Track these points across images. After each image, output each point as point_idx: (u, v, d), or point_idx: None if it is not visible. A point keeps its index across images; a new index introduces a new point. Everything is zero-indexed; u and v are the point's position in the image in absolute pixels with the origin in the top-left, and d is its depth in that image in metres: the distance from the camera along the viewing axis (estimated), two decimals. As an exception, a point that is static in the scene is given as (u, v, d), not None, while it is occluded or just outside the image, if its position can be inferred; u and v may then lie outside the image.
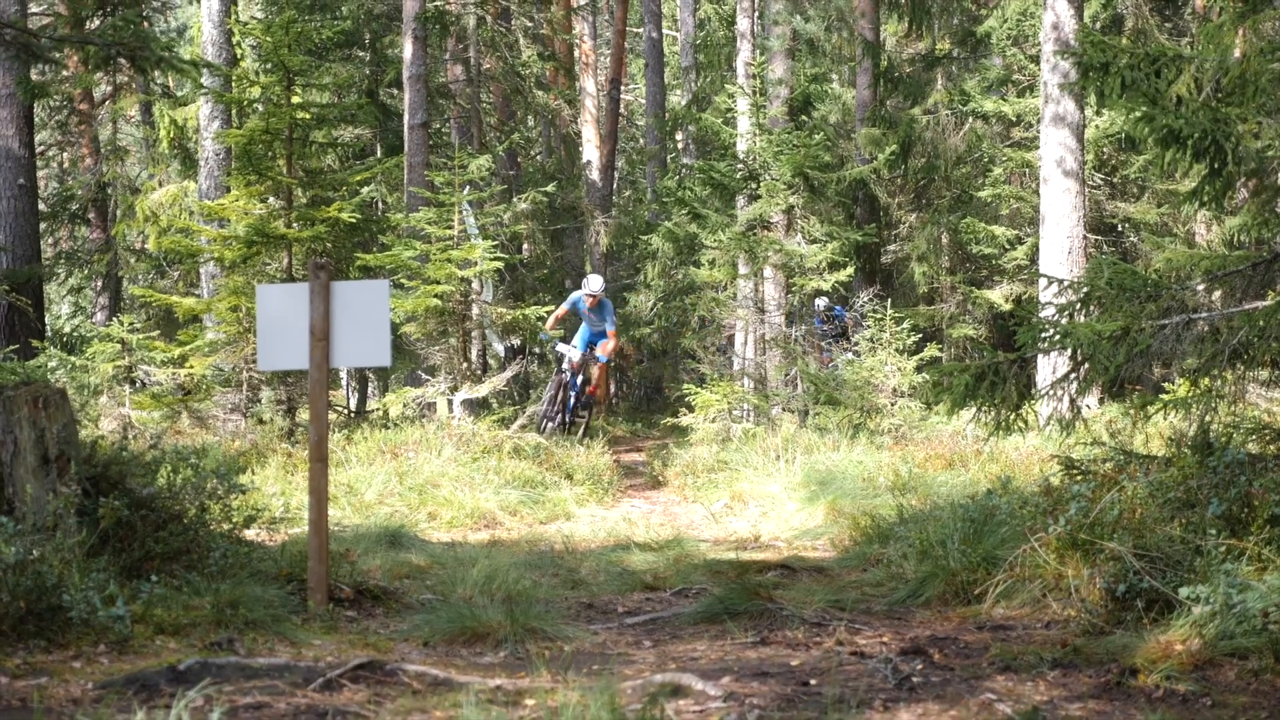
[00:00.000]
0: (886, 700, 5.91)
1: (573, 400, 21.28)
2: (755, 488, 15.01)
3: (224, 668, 6.10)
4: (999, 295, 24.57)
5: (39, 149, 29.26)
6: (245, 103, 19.53)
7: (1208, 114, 8.91)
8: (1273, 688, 6.08)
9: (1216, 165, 8.98)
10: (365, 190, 21.85)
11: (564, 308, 21.81)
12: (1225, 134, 8.89)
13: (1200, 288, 9.63)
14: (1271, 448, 8.56)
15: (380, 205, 26.50)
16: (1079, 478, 9.08)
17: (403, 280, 18.52)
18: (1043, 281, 11.24)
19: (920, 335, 21.70)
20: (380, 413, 18.94)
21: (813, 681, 6.32)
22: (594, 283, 21.65)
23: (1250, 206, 10.38)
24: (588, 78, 32.76)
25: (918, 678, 6.36)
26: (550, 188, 27.60)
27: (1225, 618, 6.60)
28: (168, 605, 7.10)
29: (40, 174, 29.82)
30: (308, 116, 18.48)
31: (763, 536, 12.62)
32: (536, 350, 27.90)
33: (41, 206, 28.27)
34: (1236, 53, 11.23)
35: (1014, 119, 25.60)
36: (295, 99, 18.34)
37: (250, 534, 9.06)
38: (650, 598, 8.92)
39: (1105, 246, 22.71)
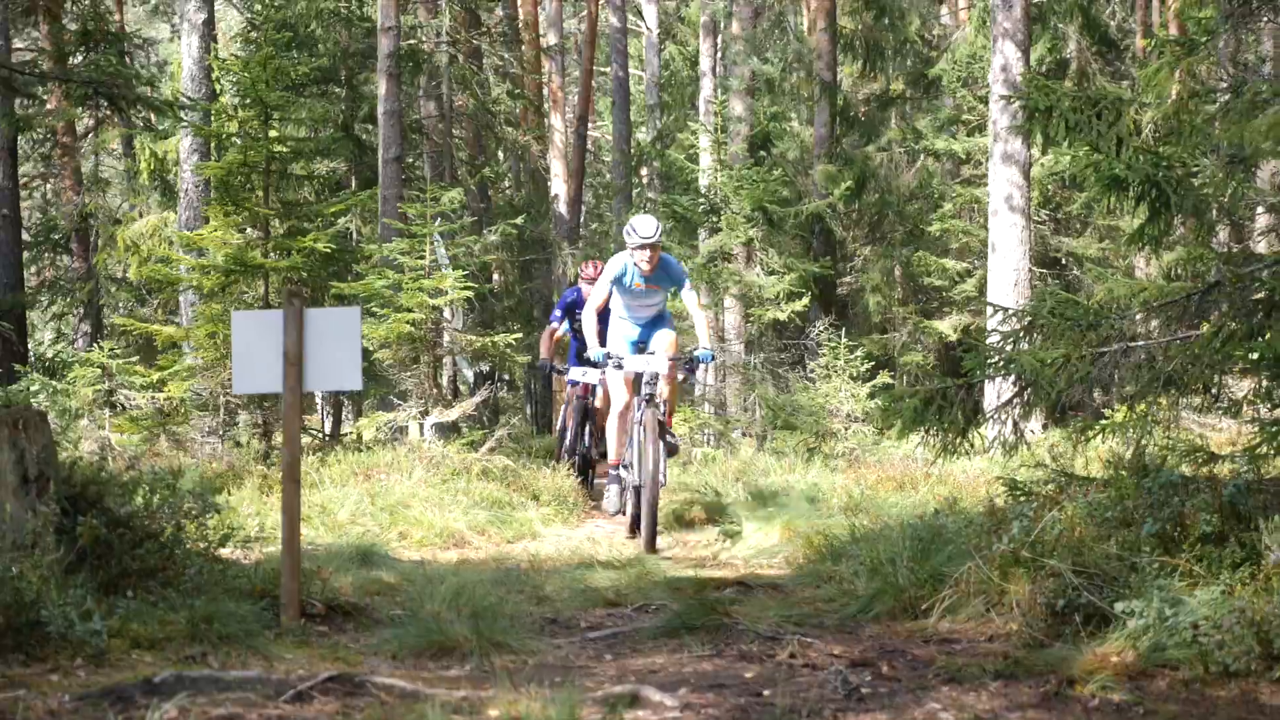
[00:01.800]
0: (836, 710, 5.95)
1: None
2: (714, 509, 15.09)
3: (198, 680, 6.09)
4: (948, 325, 24.74)
5: (22, 180, 29.24)
6: (224, 136, 19.44)
7: (1150, 159, 8.98)
8: (1202, 697, 6.14)
9: (1158, 207, 9.05)
10: (340, 221, 21.86)
11: (600, 294, 14.16)
12: (1166, 177, 8.96)
13: (1138, 318, 9.68)
14: (1204, 470, 8.61)
15: (355, 236, 26.50)
16: (1022, 498, 9.13)
17: (376, 308, 18.47)
18: (990, 311, 11.32)
19: (873, 363, 21.80)
20: (354, 436, 18.89)
21: (766, 692, 6.35)
22: (646, 225, 13.52)
23: (1187, 241, 10.43)
24: (556, 115, 32.80)
25: (866, 689, 6.40)
26: (519, 220, 27.55)
27: (1158, 631, 6.66)
28: (144, 620, 7.07)
29: (24, 205, 29.69)
30: (285, 150, 18.46)
31: (721, 556, 12.66)
32: (506, 376, 27.78)
33: (25, 236, 28.29)
34: (1174, 94, 11.32)
35: (964, 157, 25.77)
36: (273, 133, 18.31)
37: (225, 552, 9.04)
38: (612, 613, 8.91)
39: (1049, 278, 22.86)
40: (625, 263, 13.84)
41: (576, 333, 17.35)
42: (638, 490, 13.38)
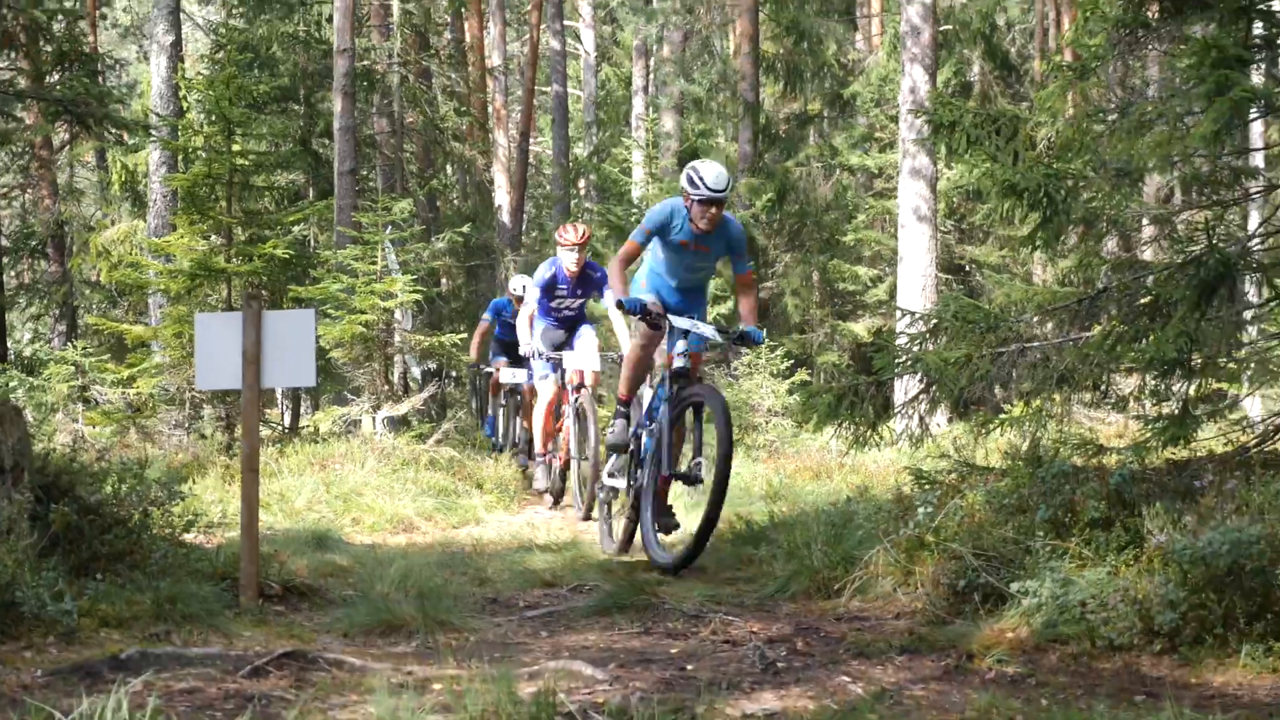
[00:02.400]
0: (754, 683, 5.95)
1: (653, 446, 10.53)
2: (645, 496, 15.12)
3: (161, 657, 6.07)
4: (861, 327, 24.84)
5: (2, 190, 29.06)
6: (190, 150, 19.31)
7: (1041, 169, 9.02)
8: (1089, 669, 6.17)
9: (1049, 214, 9.09)
10: (298, 229, 21.66)
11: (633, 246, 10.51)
12: (1057, 188, 9.00)
13: (1034, 320, 9.73)
14: (1093, 461, 8.67)
15: (312, 243, 26.37)
16: (927, 487, 9.16)
17: (331, 310, 18.42)
18: (899, 314, 11.35)
19: (792, 361, 21.85)
20: (311, 429, 18.77)
21: (689, 667, 6.35)
22: (711, 170, 9.93)
23: (1079, 250, 10.48)
24: (500, 131, 32.70)
25: (782, 663, 6.41)
26: (465, 229, 27.62)
27: (1050, 609, 6.69)
28: (112, 601, 7.02)
29: (3, 213, 29.57)
30: (247, 163, 18.39)
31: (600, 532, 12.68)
32: (452, 373, 27.71)
33: (4, 242, 28.12)
34: (1069, 113, 11.38)
35: (876, 171, 25.89)
36: (235, 147, 18.23)
37: (189, 537, 8.97)
38: (548, 594, 8.90)
39: (954, 284, 22.96)
40: (676, 210, 10.42)
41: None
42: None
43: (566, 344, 14.36)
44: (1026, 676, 6.04)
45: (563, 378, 14.31)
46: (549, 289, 14.18)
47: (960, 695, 5.63)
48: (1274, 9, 9.30)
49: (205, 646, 6.55)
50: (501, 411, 19.18)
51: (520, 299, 14.79)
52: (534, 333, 14.54)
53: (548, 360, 14.27)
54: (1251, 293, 10.09)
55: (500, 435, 19.03)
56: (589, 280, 14.14)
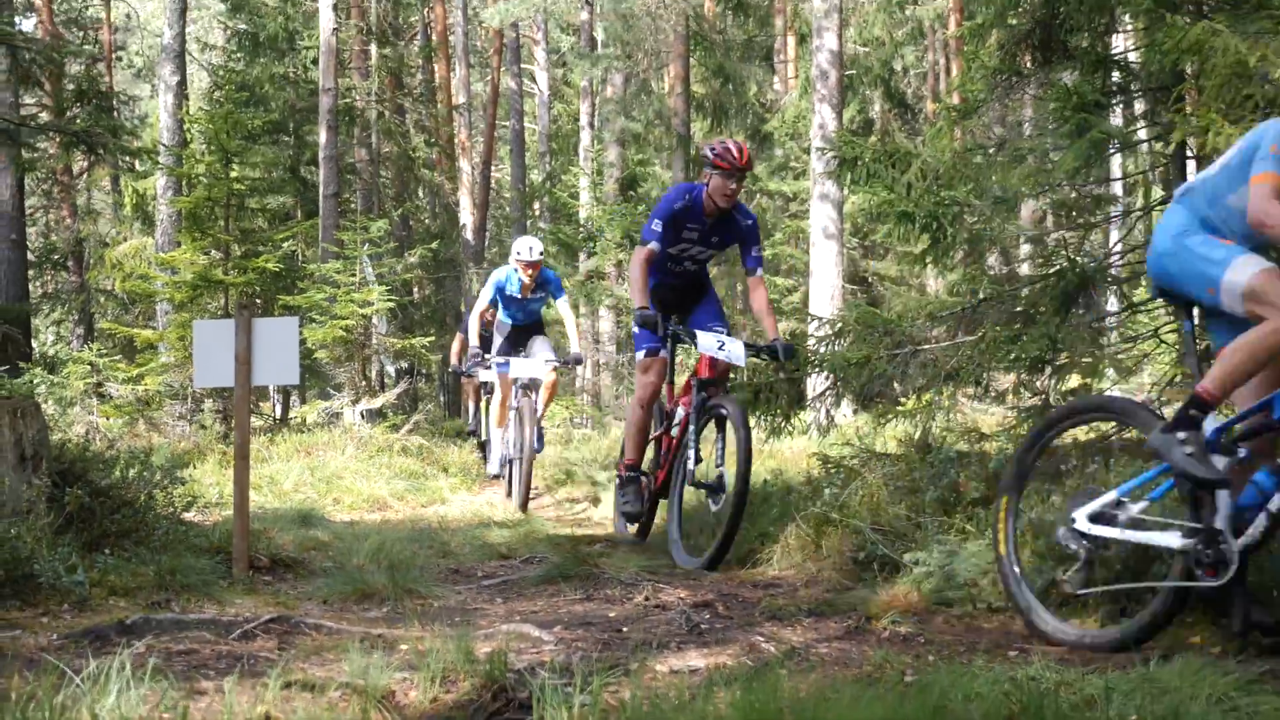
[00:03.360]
0: (680, 643, 5.93)
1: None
2: (590, 482, 15.10)
3: (162, 622, 6.02)
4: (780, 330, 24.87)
5: (29, 210, 28.89)
6: (193, 176, 19.31)
7: (930, 198, 9.06)
8: (970, 628, 6.19)
9: (937, 236, 9.14)
10: (287, 245, 21.61)
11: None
12: (944, 213, 9.04)
13: (926, 326, 9.77)
14: (975, 447, 8.72)
15: (300, 257, 26.24)
16: (833, 470, 9.17)
17: (316, 316, 18.50)
18: (810, 320, 11.38)
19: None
20: (298, 420, 18.77)
21: (624, 629, 6.33)
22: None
23: (964, 265, 10.53)
24: (464, 160, 32.62)
25: (705, 625, 6.39)
26: (434, 245, 27.61)
27: (938, 577, 6.72)
28: (119, 573, 6.98)
29: (30, 230, 29.37)
30: (242, 187, 18.48)
31: (594, 517, 12.65)
32: (423, 371, 27.65)
33: (30, 256, 27.90)
34: (955, 147, 11.42)
35: (791, 196, 25.97)
36: (233, 173, 18.24)
37: (189, 516, 8.92)
38: (504, 565, 8.87)
39: (858, 294, 23.04)
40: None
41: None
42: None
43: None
44: (917, 635, 6.05)
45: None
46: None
47: (859, 652, 5.63)
48: (1130, 60, 9.38)
49: (201, 613, 6.50)
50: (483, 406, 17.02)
51: (525, 262, 13.06)
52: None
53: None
54: (1111, 302, 10.17)
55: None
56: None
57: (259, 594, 7.32)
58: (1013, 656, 5.42)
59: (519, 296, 13.41)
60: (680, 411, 9.44)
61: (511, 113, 36.82)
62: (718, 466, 8.84)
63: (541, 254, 13.39)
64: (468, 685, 4.84)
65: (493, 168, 38.28)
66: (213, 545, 8.09)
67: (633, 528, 9.94)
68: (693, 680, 4.89)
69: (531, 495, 12.97)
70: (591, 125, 31.64)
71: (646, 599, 7.15)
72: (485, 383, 14.74)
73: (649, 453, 9.85)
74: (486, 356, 13.74)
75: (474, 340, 14.02)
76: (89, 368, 19.57)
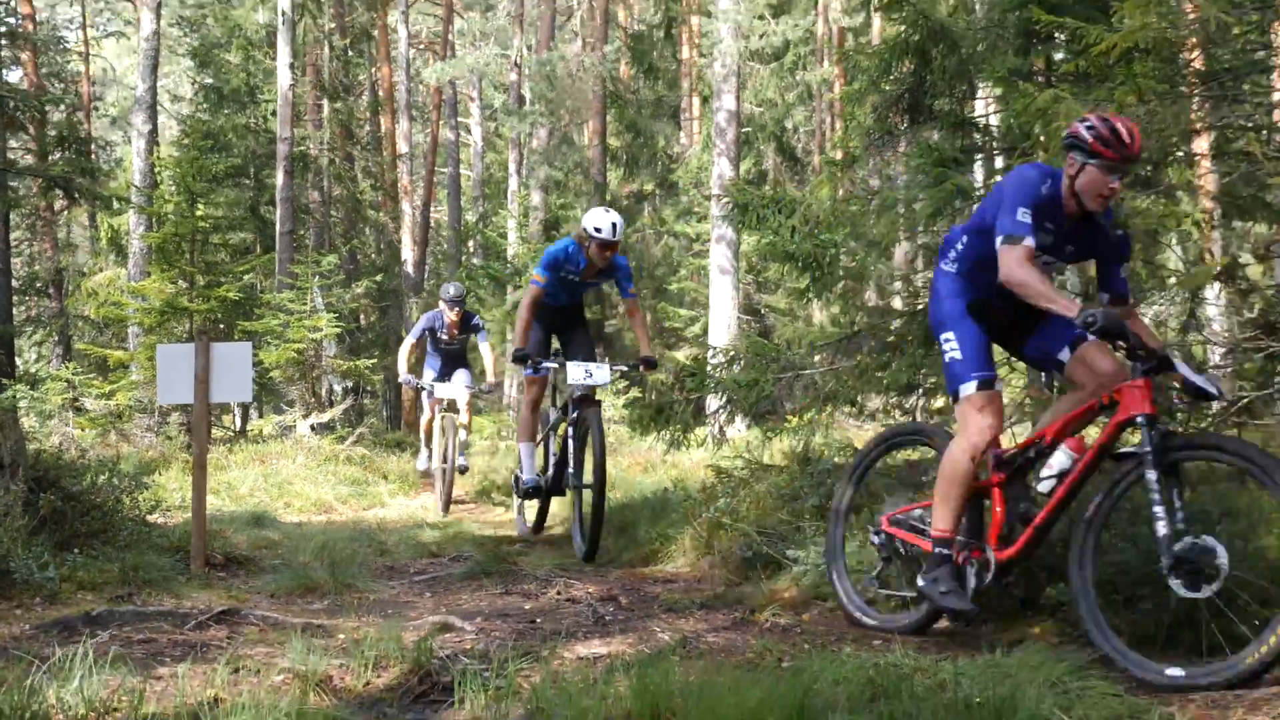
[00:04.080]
0: (587, 632, 5.93)
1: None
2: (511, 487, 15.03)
3: (124, 614, 5.96)
4: (682, 355, 24.83)
5: (14, 243, 28.54)
6: (162, 214, 19.14)
7: (811, 241, 9.11)
8: (840, 620, 6.23)
9: (817, 275, 9.19)
10: (246, 277, 21.44)
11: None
12: (822, 255, 9.10)
13: (809, 353, 9.82)
14: (850, 460, 8.75)
15: (258, 287, 26.01)
16: (725, 479, 9.20)
17: (271, 340, 18.34)
18: (709, 347, 11.44)
19: (629, 381, 21.88)
20: (256, 432, 18.61)
21: (538, 620, 6.32)
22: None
23: (842, 299, 10.60)
24: (406, 202, 32.49)
25: (609, 616, 6.39)
26: (379, 277, 27.55)
27: (814, 574, 6.75)
28: (87, 570, 6.88)
29: (15, 260, 29.01)
30: (206, 225, 18.36)
31: (514, 521, 12.56)
32: (368, 388, 27.49)
33: (15, 283, 27.55)
34: (840, 195, 11.51)
35: (694, 237, 26.01)
36: (198, 212, 18.11)
37: (153, 518, 8.79)
38: (434, 562, 8.83)
39: (751, 324, 23.11)
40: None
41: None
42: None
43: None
44: (794, 626, 6.09)
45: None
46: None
47: (743, 641, 5.65)
48: (990, 123, 9.51)
49: (160, 605, 6.44)
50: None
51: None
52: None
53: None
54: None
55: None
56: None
57: (214, 588, 7.24)
58: (877, 645, 5.46)
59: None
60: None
61: (449, 160, 36.79)
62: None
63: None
64: (397, 670, 4.83)
65: (432, 209, 38.21)
66: (173, 544, 8.00)
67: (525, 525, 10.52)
68: (596, 666, 4.89)
69: (459, 500, 13.44)
70: (519, 173, 31.61)
71: (558, 593, 7.14)
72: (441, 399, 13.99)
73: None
74: (418, 381, 13.72)
75: (404, 369, 13.76)
76: (66, 384, 19.34)
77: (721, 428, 10.02)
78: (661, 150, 28.49)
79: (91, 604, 6.33)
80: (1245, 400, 7.77)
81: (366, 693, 4.64)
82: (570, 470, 9.25)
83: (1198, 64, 8.74)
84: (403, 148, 32.60)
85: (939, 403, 9.59)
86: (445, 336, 13.63)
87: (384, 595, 7.28)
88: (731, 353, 10.20)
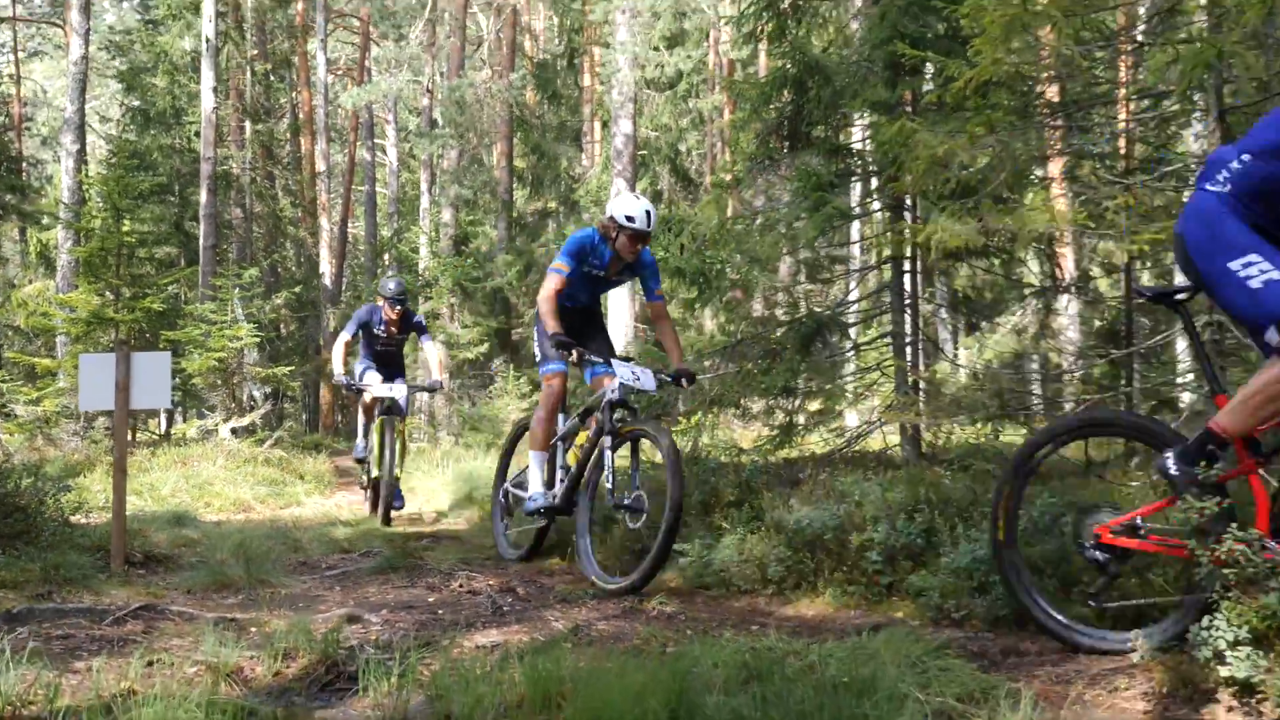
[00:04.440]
0: (486, 622, 5.89)
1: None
2: (423, 484, 14.89)
3: (45, 611, 5.81)
4: (584, 362, 24.91)
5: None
6: (89, 229, 18.78)
7: (699, 256, 9.17)
8: (723, 607, 6.24)
9: (703, 289, 9.24)
10: (171, 289, 21.16)
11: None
12: (709, 270, 9.16)
13: (697, 359, 9.86)
14: (734, 459, 8.80)
15: (182, 298, 25.62)
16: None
17: (193, 348, 18.07)
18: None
19: (535, 385, 21.86)
20: (179, 436, 18.33)
21: (440, 611, 6.26)
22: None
23: (728, 310, 10.67)
24: (325, 218, 32.11)
25: (507, 607, 6.35)
26: (298, 289, 27.21)
27: (699, 565, 6.78)
28: (9, 569, 6.69)
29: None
30: (132, 240, 17.99)
31: (424, 516, 12.47)
32: (288, 394, 27.14)
33: (-54, 296, 26.96)
34: (729, 214, 11.59)
35: (595, 252, 25.94)
36: (124, 228, 17.79)
37: (77, 518, 8.61)
38: (345, 558, 8.68)
39: (647, 332, 23.13)
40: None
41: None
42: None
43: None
44: (679, 614, 6.09)
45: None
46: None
47: (632, 628, 5.65)
48: (864, 148, 9.61)
49: (79, 602, 6.27)
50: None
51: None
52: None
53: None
54: (849, 343, 10.37)
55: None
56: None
57: (133, 585, 7.08)
58: (755, 630, 5.49)
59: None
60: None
61: (366, 179, 36.45)
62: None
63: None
64: (305, 660, 4.77)
65: (349, 225, 37.86)
66: (94, 544, 7.81)
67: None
68: (493, 654, 4.85)
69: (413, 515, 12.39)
70: (430, 192, 31.39)
71: (460, 586, 7.08)
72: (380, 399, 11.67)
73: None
74: (355, 383, 11.70)
75: (339, 369, 11.65)
76: (-4, 391, 18.93)
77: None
78: (564, 171, 28.47)
79: (13, 602, 6.15)
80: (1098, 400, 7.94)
81: (276, 682, 4.58)
82: (610, 488, 7.20)
83: (1053, 96, 8.94)
84: (321, 167, 32.25)
85: (815, 405, 9.65)
86: (382, 334, 11.73)
87: (296, 590, 7.16)
88: (623, 359, 10.23)
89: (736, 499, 7.33)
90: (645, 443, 7.70)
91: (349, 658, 4.74)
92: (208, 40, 23.61)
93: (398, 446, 11.33)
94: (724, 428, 10.37)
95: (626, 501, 7.12)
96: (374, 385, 11.44)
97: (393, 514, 11.21)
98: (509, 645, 5.09)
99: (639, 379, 7.41)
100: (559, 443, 7.94)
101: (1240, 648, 4.17)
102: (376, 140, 39.99)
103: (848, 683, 4.11)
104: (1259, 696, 4.08)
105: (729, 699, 3.93)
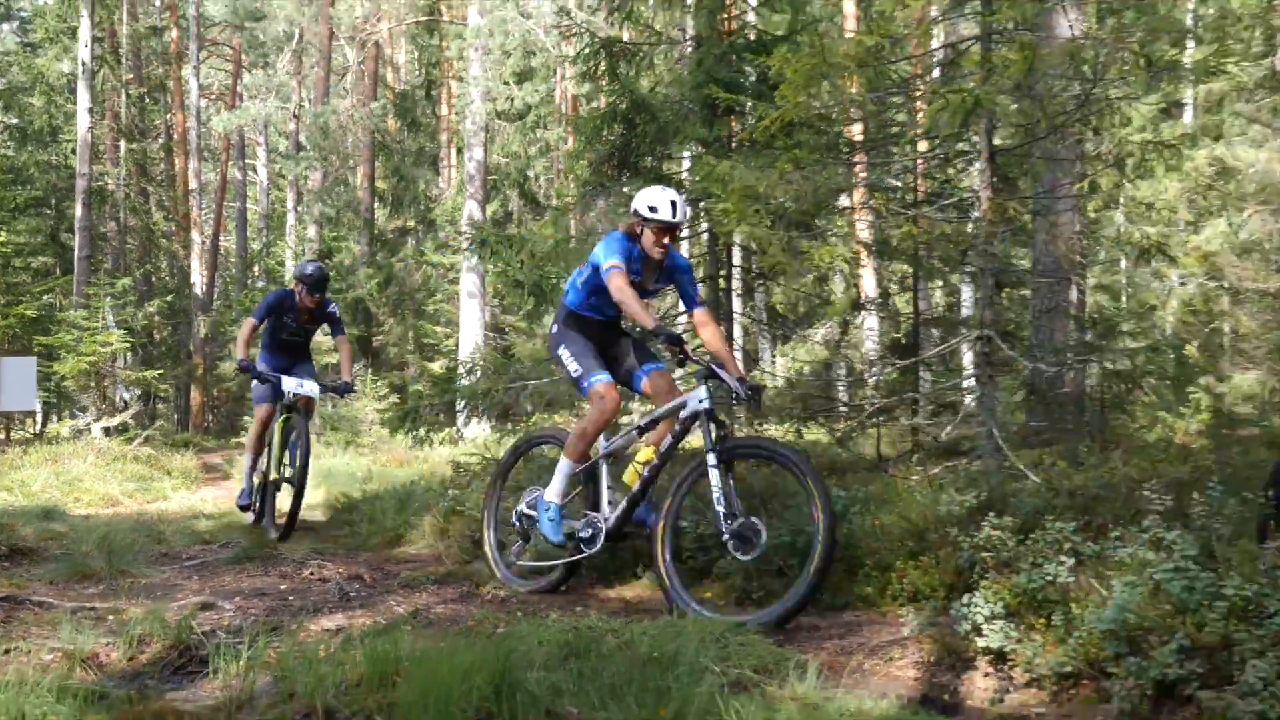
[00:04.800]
0: (332, 607, 5.80)
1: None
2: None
3: (-95, 602, 5.55)
4: (437, 366, 24.69)
5: None
6: (-35, 240, 18.05)
7: (535, 271, 9.17)
8: (552, 591, 6.25)
9: (538, 301, 9.24)
10: (45, 297, 20.35)
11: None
12: (545, 284, 9.17)
13: (535, 366, 9.85)
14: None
15: (57, 306, 24.63)
16: (462, 472, 9.15)
17: (65, 353, 17.41)
18: (458, 360, 11.38)
19: (392, 389, 21.61)
20: (53, 435, 17.63)
21: (291, 598, 6.15)
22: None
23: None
24: (196, 232, 31.21)
25: (354, 593, 6.27)
26: (170, 298, 26.42)
27: (532, 552, 6.74)
28: (-127, 563, 6.38)
29: None
30: (8, 250, 17.32)
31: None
32: (158, 395, 26.33)
33: None
34: (572, 231, 11.61)
35: (449, 266, 25.76)
36: (1, 239, 17.00)
37: (-56, 514, 8.22)
38: (205, 549, 8.42)
39: (497, 340, 23.02)
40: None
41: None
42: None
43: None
44: (510, 597, 6.08)
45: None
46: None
47: (467, 611, 5.62)
48: (684, 178, 9.71)
49: (-59, 595, 5.99)
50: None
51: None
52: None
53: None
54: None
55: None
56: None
57: (-3, 578, 6.80)
58: (579, 611, 5.51)
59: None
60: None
61: (238, 196, 35.59)
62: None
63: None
64: (159, 646, 4.65)
65: (222, 238, 36.86)
66: (-40, 539, 7.48)
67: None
68: (338, 636, 4.78)
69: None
70: (296, 210, 30.81)
71: (311, 573, 6.96)
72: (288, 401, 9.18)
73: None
74: (261, 371, 9.13)
75: (242, 350, 9.04)
76: None
77: (460, 429, 9.91)
78: (422, 192, 28.18)
79: (-124, 594, 5.87)
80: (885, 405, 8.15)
81: (130, 667, 4.45)
82: (723, 512, 5.44)
83: (856, 135, 9.16)
84: (194, 184, 31.35)
85: (647, 407, 9.69)
86: (292, 323, 9.31)
87: (156, 579, 6.94)
88: (473, 365, 10.19)
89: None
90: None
91: (201, 643, 4.63)
92: (84, 64, 22.73)
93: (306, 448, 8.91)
94: (559, 428, 10.33)
95: (732, 529, 5.40)
96: (286, 380, 9.01)
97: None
98: (352, 628, 5.02)
99: (745, 393, 5.69)
100: (602, 461, 6.27)
101: (995, 621, 4.34)
102: (248, 160, 39.06)
103: (657, 657, 4.15)
104: (1010, 663, 4.25)
105: (549, 674, 3.94)
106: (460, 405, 10.06)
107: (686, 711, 3.61)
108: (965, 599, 4.46)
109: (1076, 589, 4.21)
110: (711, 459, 5.50)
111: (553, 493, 6.21)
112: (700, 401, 5.70)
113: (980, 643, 4.33)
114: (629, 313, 5.90)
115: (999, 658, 4.28)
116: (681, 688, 3.76)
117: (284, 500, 9.06)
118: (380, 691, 3.87)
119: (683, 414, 5.81)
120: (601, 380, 6.05)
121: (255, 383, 9.29)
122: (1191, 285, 15.94)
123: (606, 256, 5.96)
